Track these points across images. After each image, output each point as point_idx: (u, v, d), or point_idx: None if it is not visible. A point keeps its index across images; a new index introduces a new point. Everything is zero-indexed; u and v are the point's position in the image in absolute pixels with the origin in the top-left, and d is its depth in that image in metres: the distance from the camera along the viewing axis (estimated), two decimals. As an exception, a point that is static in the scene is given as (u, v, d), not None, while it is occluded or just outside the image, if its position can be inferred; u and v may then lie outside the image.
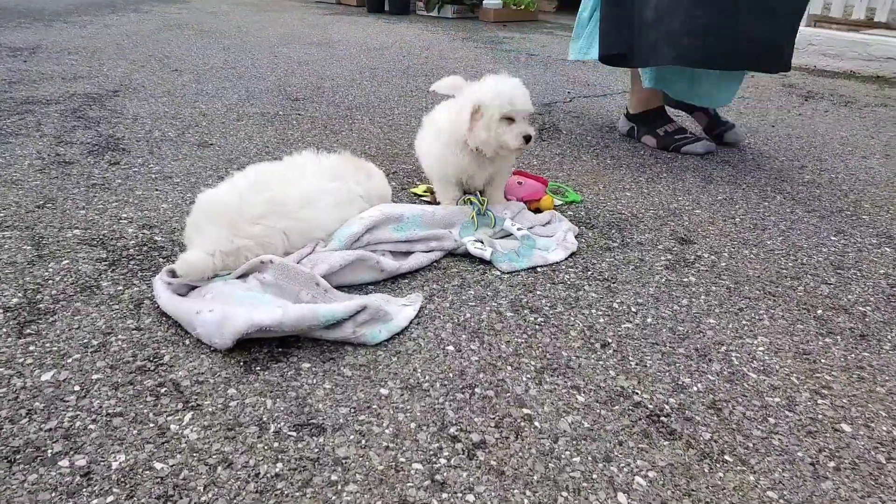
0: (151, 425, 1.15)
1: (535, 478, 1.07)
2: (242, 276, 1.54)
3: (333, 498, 1.01)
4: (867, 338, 1.52)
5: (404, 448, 1.12)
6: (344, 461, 1.09)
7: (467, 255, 1.82)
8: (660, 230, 2.07)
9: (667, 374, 1.36)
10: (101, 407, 1.19)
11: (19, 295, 1.53)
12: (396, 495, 1.02)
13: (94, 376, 1.27)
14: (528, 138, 1.81)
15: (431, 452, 1.11)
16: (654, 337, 1.49)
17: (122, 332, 1.41)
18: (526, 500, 1.03)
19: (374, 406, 1.22)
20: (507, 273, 1.74)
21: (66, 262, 1.69)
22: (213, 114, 3.17)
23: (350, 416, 1.19)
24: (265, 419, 1.17)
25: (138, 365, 1.31)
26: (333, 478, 1.05)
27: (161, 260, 1.74)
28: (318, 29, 6.32)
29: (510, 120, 1.82)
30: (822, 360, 1.43)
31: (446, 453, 1.11)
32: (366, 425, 1.17)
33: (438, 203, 2.08)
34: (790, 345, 1.48)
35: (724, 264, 1.86)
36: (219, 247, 1.54)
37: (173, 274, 1.53)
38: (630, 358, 1.40)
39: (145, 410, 1.18)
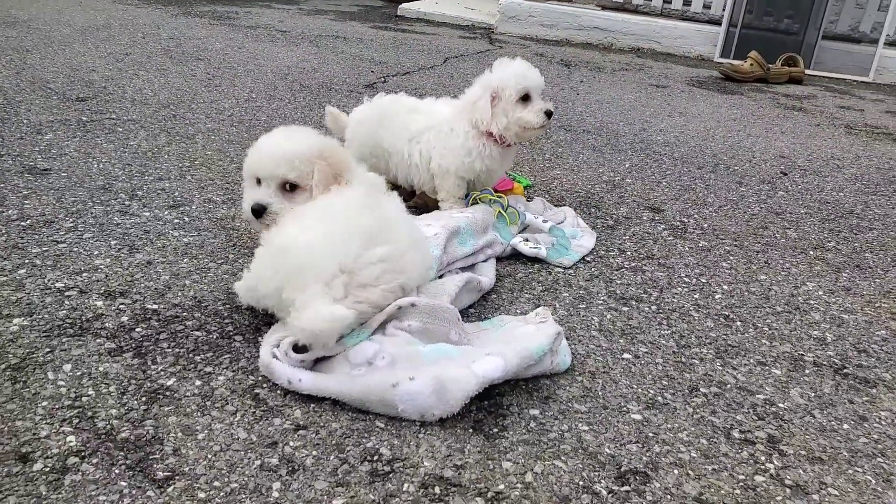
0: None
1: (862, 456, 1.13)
2: (378, 329, 1.26)
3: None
4: (861, 268, 1.87)
5: (731, 464, 1.08)
6: (701, 498, 1.01)
7: (513, 256, 1.74)
8: (625, 203, 2.20)
9: (797, 332, 1.50)
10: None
11: (73, 432, 1.04)
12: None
13: (336, 502, 0.95)
14: (549, 113, 1.79)
15: (760, 467, 1.09)
16: (747, 303, 1.62)
17: (287, 436, 1.07)
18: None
19: (649, 433, 1.14)
20: (568, 268, 1.71)
21: (69, 366, 1.19)
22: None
23: (644, 451, 1.10)
24: (582, 484, 1.02)
25: (364, 471, 1.01)
26: (721, 520, 0.97)
27: (196, 333, 1.32)
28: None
29: (526, 100, 1.78)
30: (865, 292, 1.72)
31: (771, 465, 1.10)
32: (672, 455, 1.09)
33: (429, 204, 1.93)
34: (830, 284, 1.74)
35: (706, 225, 2.07)
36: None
37: (297, 348, 1.18)
38: (759, 325, 1.52)
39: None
